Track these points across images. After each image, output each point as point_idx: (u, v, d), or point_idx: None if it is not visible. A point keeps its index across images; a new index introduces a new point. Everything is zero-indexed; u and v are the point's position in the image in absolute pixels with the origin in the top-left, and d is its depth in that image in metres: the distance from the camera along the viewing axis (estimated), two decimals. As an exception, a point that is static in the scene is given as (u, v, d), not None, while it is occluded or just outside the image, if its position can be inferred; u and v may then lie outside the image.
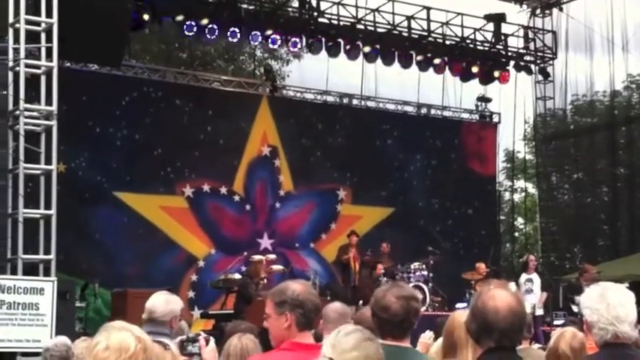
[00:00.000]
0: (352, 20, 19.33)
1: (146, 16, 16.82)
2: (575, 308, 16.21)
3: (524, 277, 16.32)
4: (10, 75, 11.63)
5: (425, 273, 16.85)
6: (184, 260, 18.09)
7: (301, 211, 19.72)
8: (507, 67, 21.64)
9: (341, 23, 19.25)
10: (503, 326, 3.36)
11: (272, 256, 16.31)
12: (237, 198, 18.90)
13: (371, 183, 20.31)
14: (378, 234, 19.07)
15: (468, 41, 20.90)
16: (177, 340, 4.80)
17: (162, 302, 5.48)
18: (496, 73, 21.38)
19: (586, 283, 16.26)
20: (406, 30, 20.00)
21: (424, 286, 16.41)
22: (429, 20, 20.16)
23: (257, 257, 15.41)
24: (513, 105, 22.57)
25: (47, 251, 11.28)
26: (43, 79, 11.70)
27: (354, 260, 16.93)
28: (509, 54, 21.71)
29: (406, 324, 4.03)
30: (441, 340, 4.74)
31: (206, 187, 18.47)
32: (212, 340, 4.73)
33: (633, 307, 3.78)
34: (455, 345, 4.36)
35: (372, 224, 20.07)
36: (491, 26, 21.15)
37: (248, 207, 19.02)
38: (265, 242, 18.91)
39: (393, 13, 19.74)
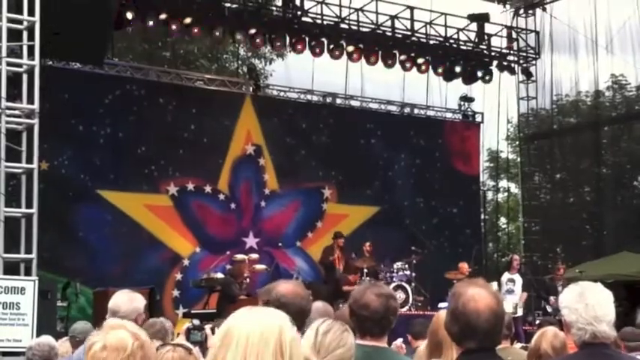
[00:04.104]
0: (336, 19, 19.34)
1: (129, 15, 16.77)
2: (549, 308, 16.34)
3: (506, 276, 16.41)
4: (-8, 73, 11.56)
5: (408, 272, 16.88)
6: (169, 259, 18.05)
7: (287, 210, 19.70)
8: (490, 67, 21.71)
9: (325, 22, 19.25)
10: (485, 328, 3.35)
11: (255, 256, 16.30)
12: (222, 197, 18.86)
13: (356, 182, 20.31)
14: (364, 233, 19.07)
15: (452, 41, 20.95)
16: (185, 328, 4.84)
17: (126, 301, 5.41)
18: (479, 73, 21.46)
19: (560, 283, 16.42)
20: (390, 29, 20.03)
21: (407, 286, 16.45)
22: (412, 20, 20.20)
23: (240, 257, 15.40)
24: (497, 104, 22.68)
25: (28, 250, 11.21)
26: (24, 77, 11.63)
27: (339, 261, 16.98)
28: (493, 54, 21.78)
29: (385, 322, 4.05)
30: (426, 340, 4.75)
31: (190, 186, 18.42)
32: (217, 329, 4.77)
33: (612, 307, 3.79)
34: (440, 345, 4.36)
35: (357, 223, 20.09)
36: (474, 26, 21.21)
37: (233, 205, 18.98)
38: (251, 241, 18.88)
39: (377, 13, 19.77)
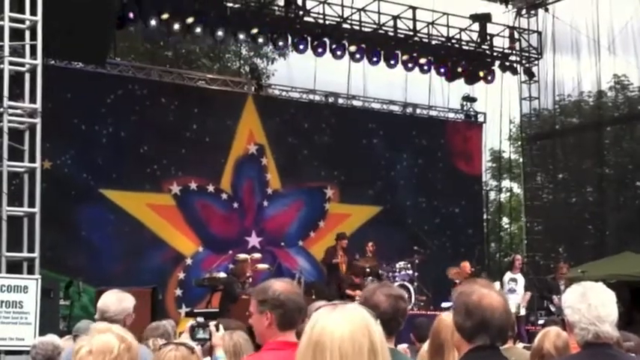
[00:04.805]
0: (338, 19, 19.35)
1: (131, 15, 16.77)
2: (552, 308, 16.34)
3: (508, 276, 16.41)
4: (-6, 72, 11.57)
5: (410, 272, 16.89)
6: (172, 258, 18.06)
7: (289, 210, 19.71)
8: (492, 67, 21.71)
9: (327, 22, 19.27)
10: (499, 324, 3.39)
11: (257, 255, 16.30)
12: (224, 196, 18.86)
13: (358, 182, 20.31)
14: (366, 232, 19.06)
15: (454, 41, 20.95)
16: (189, 326, 4.83)
17: (115, 301, 5.40)
18: (481, 73, 21.46)
19: (562, 282, 16.42)
20: (392, 29, 20.03)
21: (409, 286, 16.45)
22: (414, 20, 20.20)
23: (242, 256, 15.40)
24: (499, 105, 22.67)
25: (31, 249, 11.22)
26: (27, 76, 11.64)
27: (342, 263, 16.97)
28: (495, 54, 21.78)
29: (394, 323, 4.03)
30: (427, 342, 4.75)
31: (193, 185, 18.43)
32: (221, 326, 4.77)
33: (614, 307, 3.79)
34: (442, 347, 4.35)
35: (360, 223, 20.08)
36: (476, 26, 21.20)
37: (236, 205, 18.99)
38: (254, 240, 18.88)
39: (379, 13, 19.78)
